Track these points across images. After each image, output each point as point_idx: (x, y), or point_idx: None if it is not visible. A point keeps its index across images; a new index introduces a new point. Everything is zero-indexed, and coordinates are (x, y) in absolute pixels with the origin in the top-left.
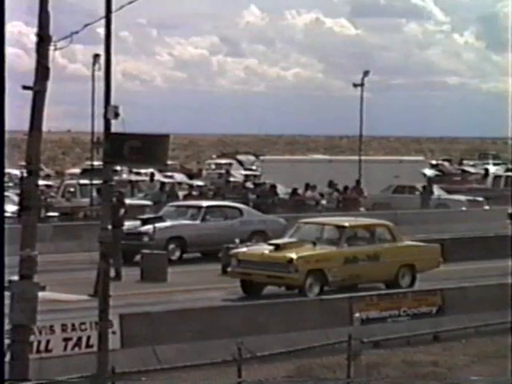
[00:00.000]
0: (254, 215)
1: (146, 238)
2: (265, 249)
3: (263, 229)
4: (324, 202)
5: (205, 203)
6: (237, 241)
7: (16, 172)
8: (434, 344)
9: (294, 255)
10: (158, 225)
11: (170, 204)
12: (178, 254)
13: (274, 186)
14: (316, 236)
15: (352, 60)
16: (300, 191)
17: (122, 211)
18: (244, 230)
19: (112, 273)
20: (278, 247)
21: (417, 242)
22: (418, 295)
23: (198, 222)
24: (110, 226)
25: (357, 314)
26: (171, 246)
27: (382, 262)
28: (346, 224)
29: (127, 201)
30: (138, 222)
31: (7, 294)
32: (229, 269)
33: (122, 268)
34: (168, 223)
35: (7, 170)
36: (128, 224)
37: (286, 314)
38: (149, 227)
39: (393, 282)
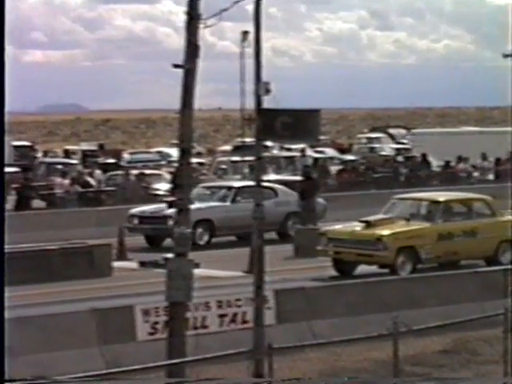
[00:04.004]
0: (289, 196)
1: (170, 222)
2: (355, 226)
3: (300, 210)
4: (476, 173)
5: (236, 184)
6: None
7: (168, 150)
8: None
9: (384, 232)
10: None
11: (201, 185)
12: (206, 238)
13: (424, 155)
14: (411, 212)
15: (502, 30)
16: (452, 163)
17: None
18: (279, 212)
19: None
20: (369, 224)
21: None
22: None
23: (227, 203)
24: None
25: None
26: (199, 230)
27: (480, 237)
28: (441, 199)
29: (276, 177)
30: (163, 205)
31: (163, 271)
32: (318, 247)
33: (276, 244)
34: (195, 205)
35: (160, 149)
36: (154, 207)
37: (440, 288)
38: (174, 210)
39: (492, 258)
